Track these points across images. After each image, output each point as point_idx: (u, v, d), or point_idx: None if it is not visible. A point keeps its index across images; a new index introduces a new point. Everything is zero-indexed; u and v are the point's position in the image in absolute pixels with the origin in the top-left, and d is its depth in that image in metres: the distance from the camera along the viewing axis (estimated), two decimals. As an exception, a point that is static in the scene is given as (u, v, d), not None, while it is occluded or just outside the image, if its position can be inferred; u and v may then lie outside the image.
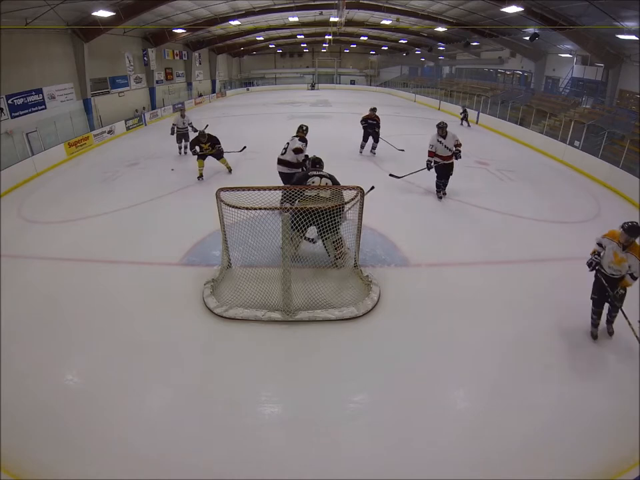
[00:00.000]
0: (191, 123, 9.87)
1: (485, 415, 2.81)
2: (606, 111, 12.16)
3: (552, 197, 7.17)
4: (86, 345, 3.50)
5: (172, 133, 9.89)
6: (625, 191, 7.34)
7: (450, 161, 6.56)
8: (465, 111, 15.12)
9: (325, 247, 4.41)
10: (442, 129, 6.52)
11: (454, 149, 6.47)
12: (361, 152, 9.81)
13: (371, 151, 9.73)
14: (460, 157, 6.61)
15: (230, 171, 8.28)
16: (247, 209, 3.85)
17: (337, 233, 4.11)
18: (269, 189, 3.92)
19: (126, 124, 14.89)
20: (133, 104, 17.44)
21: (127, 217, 6.32)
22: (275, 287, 3.76)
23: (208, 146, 7.61)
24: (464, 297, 4.10)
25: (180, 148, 10.16)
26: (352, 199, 3.83)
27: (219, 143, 7.77)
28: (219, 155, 7.87)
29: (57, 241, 5.51)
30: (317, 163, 4.83)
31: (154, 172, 8.92)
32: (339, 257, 4.46)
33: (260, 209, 3.74)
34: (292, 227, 3.87)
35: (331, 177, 4.49)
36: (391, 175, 7.18)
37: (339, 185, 4.48)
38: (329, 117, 16.47)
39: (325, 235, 4.06)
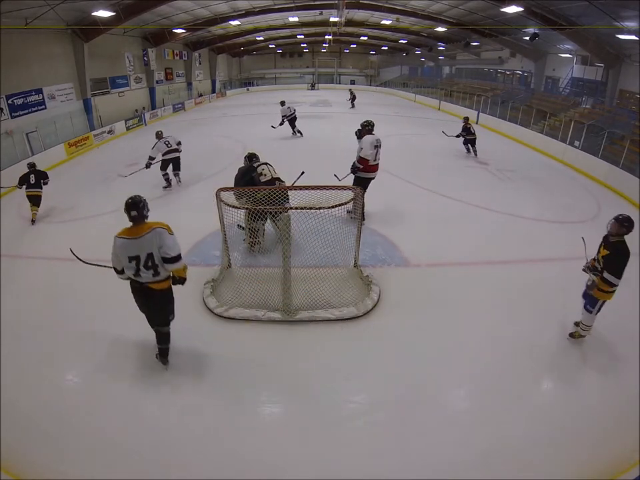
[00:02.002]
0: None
1: (484, 415, 2.81)
2: (606, 111, 12.16)
3: (552, 197, 7.18)
4: (86, 345, 3.50)
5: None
6: (625, 191, 7.34)
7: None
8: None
9: (277, 225, 3.96)
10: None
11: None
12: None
13: None
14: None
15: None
16: (246, 209, 3.86)
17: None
18: (269, 188, 3.92)
19: (126, 124, 14.90)
20: (133, 104, 17.44)
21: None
22: (275, 287, 3.76)
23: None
24: (464, 297, 4.10)
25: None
26: (351, 199, 3.83)
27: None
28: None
29: (56, 241, 5.51)
30: (253, 156, 5.10)
31: (154, 172, 8.90)
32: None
33: (260, 208, 3.74)
34: (252, 218, 3.97)
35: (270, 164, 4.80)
36: (335, 175, 5.71)
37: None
38: (329, 117, 16.46)
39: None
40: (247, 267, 4.43)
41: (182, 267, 2.92)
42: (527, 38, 14.46)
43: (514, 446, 2.57)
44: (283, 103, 11.58)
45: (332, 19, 18.50)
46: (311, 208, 3.70)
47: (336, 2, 15.57)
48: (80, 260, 3.72)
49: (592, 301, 3.32)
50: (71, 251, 3.77)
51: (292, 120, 11.57)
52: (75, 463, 2.48)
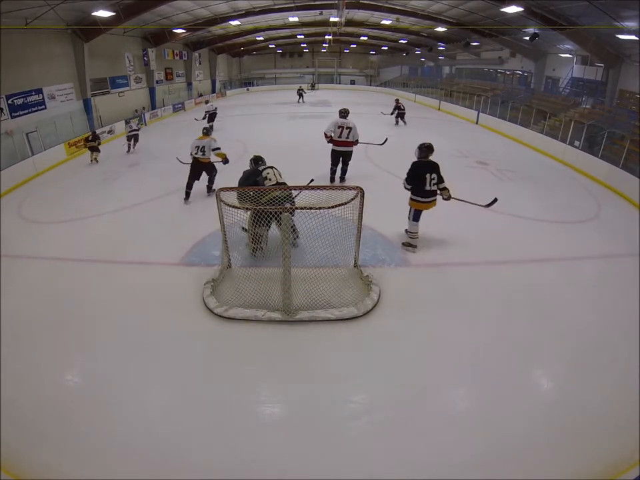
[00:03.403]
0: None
1: (484, 415, 2.81)
2: (606, 111, 12.15)
3: (552, 197, 7.17)
4: (86, 345, 3.50)
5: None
6: (625, 191, 7.33)
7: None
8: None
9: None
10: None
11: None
12: None
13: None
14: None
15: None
16: (246, 209, 3.86)
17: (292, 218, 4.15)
18: (269, 189, 3.92)
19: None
20: (133, 104, 17.44)
21: (126, 217, 6.32)
22: (275, 287, 3.76)
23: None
24: (464, 297, 4.10)
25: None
26: (352, 199, 3.83)
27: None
28: None
29: (57, 241, 5.52)
30: (259, 159, 5.00)
31: (154, 172, 8.92)
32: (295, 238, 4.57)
33: (260, 208, 3.74)
34: (256, 223, 3.93)
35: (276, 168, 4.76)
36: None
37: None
38: (329, 117, 16.41)
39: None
40: (246, 266, 4.43)
41: (223, 153, 6.53)
42: (527, 38, 14.47)
43: (514, 446, 2.57)
44: (207, 102, 16.54)
45: (332, 19, 18.50)
46: (310, 208, 3.70)
47: (336, 2, 15.57)
48: (181, 162, 7.27)
49: (409, 211, 4.85)
50: (178, 159, 7.45)
51: (212, 116, 13.86)
52: (75, 463, 2.48)
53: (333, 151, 7.11)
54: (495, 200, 4.95)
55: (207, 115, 13.77)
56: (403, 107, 14.05)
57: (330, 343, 3.48)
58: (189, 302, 3.99)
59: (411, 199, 4.70)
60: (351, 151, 7.11)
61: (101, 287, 4.36)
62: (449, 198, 4.74)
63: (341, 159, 7.10)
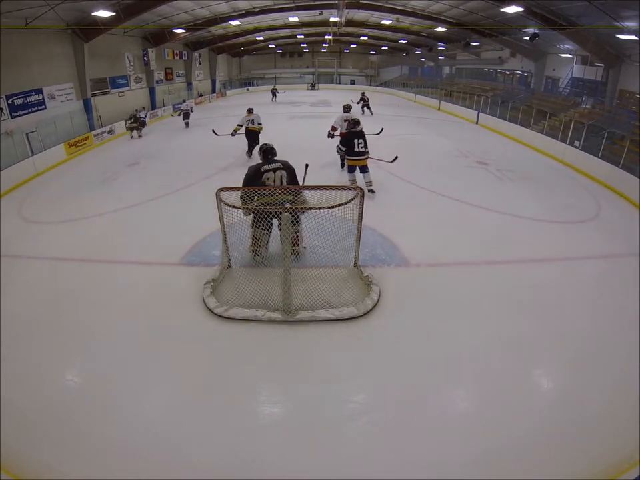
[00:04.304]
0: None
1: (484, 415, 2.81)
2: (606, 111, 12.15)
3: (552, 197, 7.17)
4: (86, 345, 3.50)
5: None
6: (625, 191, 7.34)
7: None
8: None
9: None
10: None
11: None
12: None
13: None
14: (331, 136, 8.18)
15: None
16: (246, 209, 3.85)
17: (296, 228, 4.06)
18: (269, 188, 3.92)
19: (126, 124, 14.88)
20: (133, 104, 17.43)
21: (127, 217, 6.32)
22: (275, 287, 3.76)
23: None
24: (464, 297, 4.10)
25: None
26: (352, 199, 3.83)
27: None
28: None
29: (57, 241, 5.51)
30: (268, 153, 4.47)
31: (154, 172, 8.92)
32: (293, 254, 4.29)
33: (260, 208, 3.74)
34: (256, 225, 3.87)
35: (285, 166, 4.38)
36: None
37: (294, 170, 4.47)
38: (329, 117, 16.42)
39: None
40: (246, 266, 4.43)
41: (261, 126, 8.93)
42: (527, 38, 14.46)
43: (514, 446, 2.57)
44: (183, 100, 18.76)
45: (332, 19, 18.48)
46: (310, 208, 3.70)
47: (336, 2, 15.57)
48: (216, 134, 9.32)
49: (346, 166, 6.78)
50: (214, 131, 9.46)
51: (186, 114, 15.04)
52: (75, 463, 2.48)
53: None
54: (396, 157, 6.90)
55: (182, 113, 15.12)
56: (367, 99, 16.65)
57: (330, 343, 3.48)
58: (189, 302, 3.99)
59: (347, 158, 6.57)
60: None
61: (100, 286, 4.36)
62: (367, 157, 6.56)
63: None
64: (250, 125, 8.99)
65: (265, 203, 3.84)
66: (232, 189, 3.84)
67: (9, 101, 10.69)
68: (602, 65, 13.43)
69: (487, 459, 2.49)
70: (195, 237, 5.28)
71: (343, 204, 3.65)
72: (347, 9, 16.19)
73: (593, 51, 12.72)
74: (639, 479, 2.24)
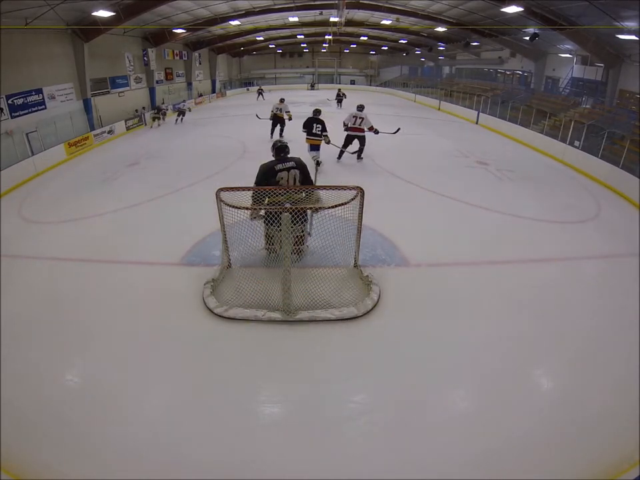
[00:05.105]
0: None
1: (484, 415, 2.81)
2: (606, 111, 12.15)
3: (552, 197, 7.17)
4: (86, 345, 3.50)
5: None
6: (625, 191, 7.34)
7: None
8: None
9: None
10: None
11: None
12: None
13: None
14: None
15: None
16: (246, 209, 3.85)
17: (302, 227, 4.00)
18: (269, 188, 3.92)
19: (126, 124, 14.90)
20: (133, 104, 17.44)
21: (127, 217, 6.32)
22: (275, 287, 3.76)
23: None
24: (464, 297, 4.10)
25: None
26: (352, 199, 3.83)
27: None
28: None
29: (57, 241, 5.51)
30: (281, 151, 4.35)
31: (154, 172, 8.92)
32: (296, 253, 4.27)
33: (260, 208, 3.74)
34: (268, 223, 3.82)
35: (298, 165, 4.28)
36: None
37: (306, 167, 4.38)
38: (329, 117, 16.41)
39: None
40: (246, 266, 4.43)
41: (290, 114, 10.83)
42: (527, 38, 14.47)
43: (514, 446, 2.57)
44: (184, 101, 19.39)
45: (332, 19, 18.48)
46: (310, 208, 3.70)
47: (336, 2, 15.57)
48: (259, 118, 11.11)
49: (309, 146, 8.07)
50: (257, 115, 11.38)
51: (182, 112, 16.41)
52: (75, 463, 2.48)
53: (347, 135, 8.61)
54: (398, 129, 8.79)
55: (178, 111, 16.64)
56: (341, 95, 19.31)
57: (330, 343, 3.48)
58: (189, 302, 3.98)
59: (307, 138, 8.00)
60: (364, 136, 8.56)
61: (100, 287, 4.36)
62: (328, 142, 7.85)
63: (355, 141, 8.65)
64: (278, 112, 10.76)
65: (271, 202, 3.83)
66: (232, 188, 3.84)
67: (9, 101, 10.70)
68: (602, 64, 13.44)
69: (487, 459, 2.49)
70: (195, 237, 5.28)
71: (343, 204, 3.66)
72: (346, 9, 16.19)
73: (593, 51, 12.72)
74: (639, 479, 2.23)
